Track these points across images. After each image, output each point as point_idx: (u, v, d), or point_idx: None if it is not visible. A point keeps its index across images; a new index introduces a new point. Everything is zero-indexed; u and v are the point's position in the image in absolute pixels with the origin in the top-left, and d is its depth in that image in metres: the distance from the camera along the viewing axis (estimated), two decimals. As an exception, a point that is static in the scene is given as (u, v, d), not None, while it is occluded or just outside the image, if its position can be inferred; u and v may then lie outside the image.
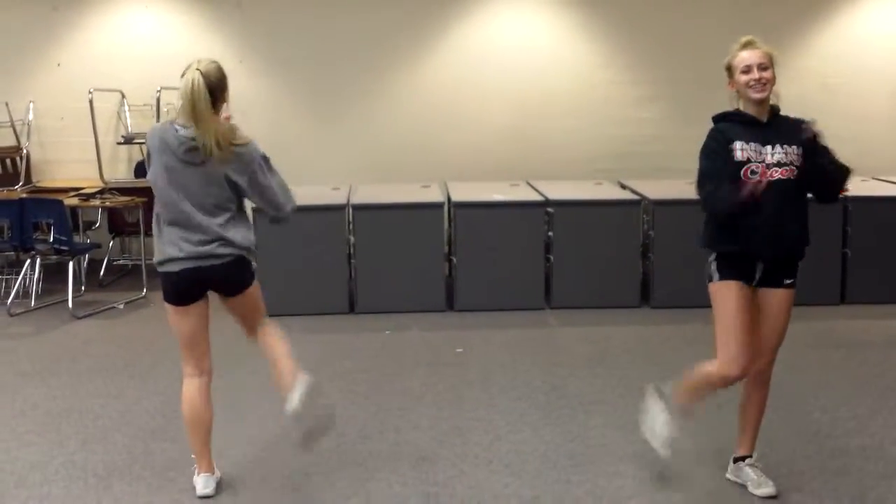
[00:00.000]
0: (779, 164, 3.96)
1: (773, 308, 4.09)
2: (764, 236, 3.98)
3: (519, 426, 5.12)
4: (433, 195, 8.02)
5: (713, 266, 4.10)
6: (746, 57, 4.01)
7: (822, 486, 4.34)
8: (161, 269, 4.14)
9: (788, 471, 4.48)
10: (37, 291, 8.03)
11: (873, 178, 8.69)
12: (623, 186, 8.43)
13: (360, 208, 7.61)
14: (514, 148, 9.51)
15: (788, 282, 4.10)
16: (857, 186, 8.00)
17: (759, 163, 3.95)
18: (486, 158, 9.44)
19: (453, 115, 9.53)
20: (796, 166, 3.98)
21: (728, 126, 4.05)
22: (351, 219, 7.62)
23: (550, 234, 7.62)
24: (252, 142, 4.10)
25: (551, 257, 7.62)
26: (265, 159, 4.14)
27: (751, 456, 4.33)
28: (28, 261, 7.96)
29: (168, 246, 4.10)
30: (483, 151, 9.49)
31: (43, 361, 6.45)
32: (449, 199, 7.92)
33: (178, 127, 3.99)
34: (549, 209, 7.64)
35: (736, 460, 4.35)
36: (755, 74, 3.98)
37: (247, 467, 4.59)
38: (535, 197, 7.90)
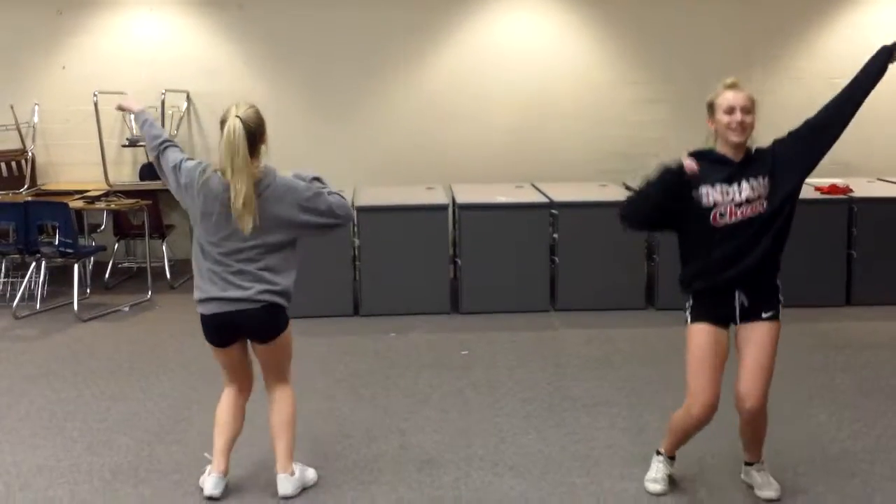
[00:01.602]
0: (748, 201, 3.94)
1: (755, 341, 4.05)
2: (736, 262, 3.95)
3: (524, 428, 5.12)
4: (438, 197, 8.02)
5: (688, 311, 4.11)
6: (731, 98, 3.96)
7: (827, 488, 4.34)
8: (198, 308, 4.20)
9: (793, 473, 4.48)
10: (42, 294, 8.03)
11: (879, 179, 8.68)
12: (627, 188, 8.40)
13: (365, 210, 7.60)
14: (519, 150, 9.51)
15: (767, 315, 4.06)
16: (862, 187, 8.02)
17: (728, 203, 3.94)
18: (490, 160, 9.44)
19: (457, 117, 9.54)
20: (765, 197, 3.95)
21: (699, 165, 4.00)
22: (356, 221, 7.61)
23: (555, 235, 7.61)
24: (276, 173, 4.12)
25: (556, 259, 7.61)
26: (313, 180, 4.22)
27: (759, 461, 4.34)
28: (33, 263, 7.96)
29: (203, 282, 4.16)
30: (487, 153, 9.49)
31: (48, 364, 6.46)
32: (454, 202, 7.92)
33: (221, 172, 4.04)
34: (554, 211, 7.63)
35: (746, 464, 4.38)
36: (737, 117, 3.93)
37: (252, 470, 4.60)
38: (539, 199, 7.89)
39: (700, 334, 4.04)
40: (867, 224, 7.60)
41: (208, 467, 4.36)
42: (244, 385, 4.41)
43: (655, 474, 4.35)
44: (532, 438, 4.98)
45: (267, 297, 4.10)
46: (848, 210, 7.63)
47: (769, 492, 4.25)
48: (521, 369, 6.18)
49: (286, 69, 9.38)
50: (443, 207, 7.72)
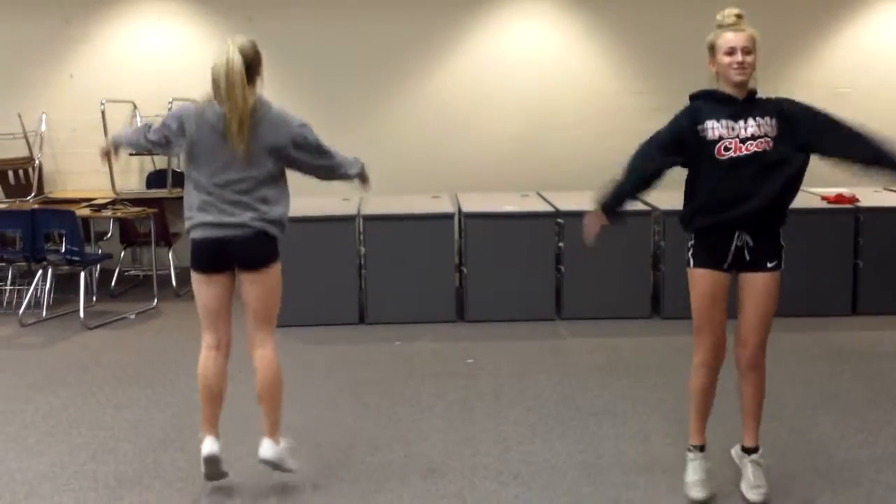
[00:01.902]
0: (753, 138, 3.97)
1: (757, 292, 4.09)
2: (738, 202, 3.97)
3: (529, 437, 5.11)
4: (443, 206, 8.02)
5: (690, 251, 4.14)
6: (731, 38, 4.01)
7: (832, 498, 4.32)
8: (190, 234, 4.25)
9: (798, 483, 4.46)
10: (48, 302, 8.05)
11: (885, 189, 8.66)
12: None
13: (371, 219, 7.62)
14: (525, 158, 9.52)
15: (771, 265, 4.08)
16: (868, 197, 8.01)
17: (733, 139, 3.97)
18: (496, 169, 9.44)
19: (463, 126, 9.55)
20: (772, 138, 3.97)
21: (702, 104, 4.09)
22: (361, 229, 7.63)
23: (561, 244, 7.61)
24: (281, 108, 4.27)
25: (562, 268, 7.61)
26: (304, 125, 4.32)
27: (756, 450, 4.29)
28: (40, 271, 7.99)
29: (196, 211, 4.19)
30: (493, 162, 9.50)
31: (54, 372, 6.47)
32: (459, 210, 7.92)
33: (216, 105, 4.13)
34: (560, 220, 7.63)
35: (744, 450, 4.33)
36: (738, 57, 3.98)
37: (255, 479, 4.59)
38: (545, 208, 7.89)
39: (701, 282, 4.08)
40: (873, 234, 7.59)
41: (201, 433, 4.38)
42: (223, 337, 4.37)
43: (693, 476, 4.23)
44: (537, 447, 4.97)
45: (259, 224, 4.17)
46: (854, 220, 7.62)
47: (756, 495, 4.19)
48: (526, 378, 6.17)
49: (293, 79, 9.38)
50: (448, 216, 7.73)
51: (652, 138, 4.21)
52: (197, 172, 4.20)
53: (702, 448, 4.30)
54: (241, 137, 4.07)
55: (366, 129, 9.51)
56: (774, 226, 4.09)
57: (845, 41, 9.56)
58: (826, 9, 9.54)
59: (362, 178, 4.71)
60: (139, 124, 9.34)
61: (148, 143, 4.40)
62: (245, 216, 4.15)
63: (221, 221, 4.15)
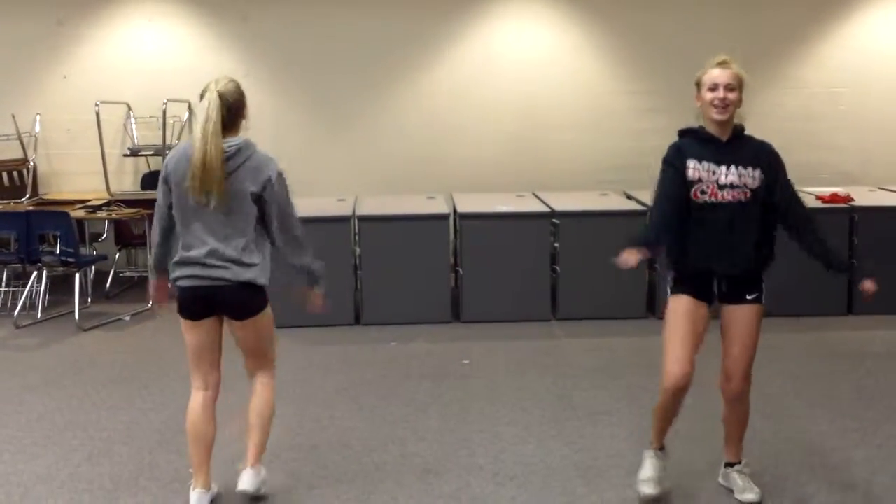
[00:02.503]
0: (731, 186, 3.98)
1: (737, 324, 4.11)
2: (713, 255, 4.03)
3: (525, 438, 5.11)
4: (439, 206, 8.02)
5: (670, 284, 4.18)
6: (716, 75, 4.01)
7: (826, 497, 4.32)
8: (175, 282, 4.15)
9: (794, 482, 4.47)
10: (43, 303, 8.03)
11: (879, 188, 8.68)
12: (629, 197, 8.42)
13: (366, 220, 7.61)
14: (520, 159, 9.52)
15: (751, 297, 4.11)
16: (863, 196, 8.02)
17: (711, 182, 3.98)
18: (491, 170, 9.44)
19: (459, 127, 9.55)
20: (751, 189, 3.99)
21: (688, 142, 4.08)
22: (357, 230, 7.62)
23: (556, 245, 7.61)
24: (255, 147, 4.08)
25: (557, 268, 7.61)
26: (280, 175, 4.12)
27: (739, 462, 4.33)
28: (34, 273, 7.97)
29: (180, 262, 4.10)
30: (488, 163, 9.50)
31: (49, 373, 6.46)
32: (455, 211, 7.92)
33: (190, 143, 4.01)
34: (555, 220, 7.63)
35: (726, 465, 4.37)
36: (720, 94, 3.97)
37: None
38: (540, 208, 7.89)
39: (678, 305, 4.11)
40: (868, 233, 7.59)
41: (192, 482, 4.28)
42: (209, 376, 4.24)
43: (649, 472, 4.26)
44: (533, 448, 4.97)
45: (242, 276, 4.05)
46: (849, 219, 7.62)
47: (750, 495, 4.22)
48: (522, 378, 6.17)
49: (288, 79, 9.39)
50: (444, 217, 7.73)
51: (658, 201, 4.12)
52: (179, 217, 4.08)
53: (661, 448, 4.33)
54: (203, 181, 3.90)
55: (361, 129, 9.51)
56: (755, 274, 4.13)
57: (840, 40, 9.57)
58: (822, 7, 9.54)
59: (317, 281, 4.40)
60: (133, 126, 9.37)
61: (163, 226, 4.19)
62: (224, 269, 4.03)
63: (205, 275, 4.04)
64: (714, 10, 9.45)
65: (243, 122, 4.06)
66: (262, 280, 4.13)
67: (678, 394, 4.08)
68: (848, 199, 7.80)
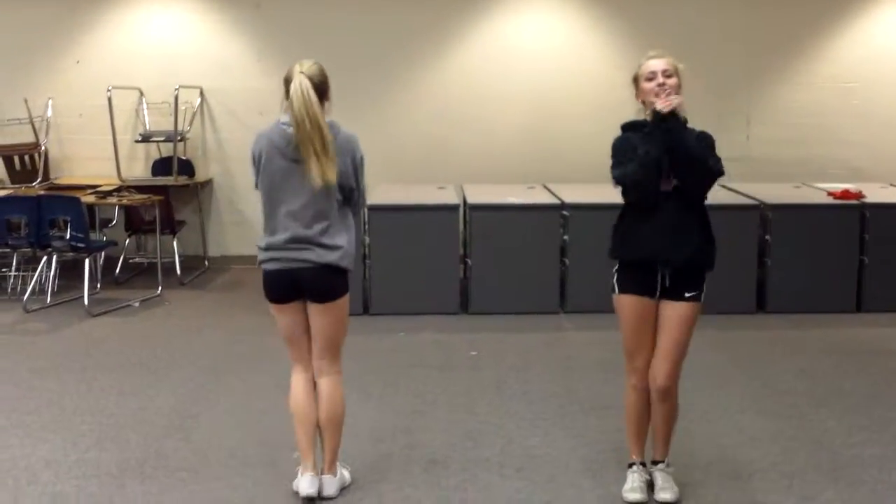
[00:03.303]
0: None
1: (672, 321, 4.11)
2: (664, 244, 4.03)
3: (532, 430, 5.11)
4: (449, 197, 8.01)
5: (614, 277, 4.22)
6: (651, 64, 4.05)
7: (835, 495, 4.31)
8: (261, 265, 4.19)
9: (801, 479, 4.45)
10: (53, 288, 8.05)
11: (891, 185, 8.64)
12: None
13: (376, 209, 7.60)
14: (531, 150, 9.50)
15: (690, 295, 4.10)
16: (874, 193, 7.99)
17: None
18: (501, 161, 9.43)
19: (470, 117, 9.53)
20: None
21: (633, 136, 4.11)
22: (366, 220, 7.61)
23: (566, 237, 7.60)
24: (339, 127, 4.14)
25: (566, 261, 7.60)
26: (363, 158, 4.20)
27: (664, 461, 4.30)
28: (45, 258, 7.99)
29: (265, 247, 4.14)
30: (499, 154, 9.48)
31: (58, 358, 6.48)
32: (464, 202, 7.91)
33: (284, 125, 4.04)
34: (565, 212, 7.62)
35: (653, 462, 4.33)
36: (659, 80, 4.00)
37: (259, 468, 4.60)
38: (550, 200, 7.88)
39: (627, 308, 4.18)
40: (879, 230, 7.56)
41: (299, 468, 4.27)
42: (306, 359, 4.30)
43: (632, 484, 4.26)
44: (540, 441, 4.97)
45: (328, 257, 4.11)
46: (860, 216, 7.58)
47: (667, 494, 4.20)
48: (529, 371, 6.17)
49: (299, 67, 9.37)
50: (454, 207, 7.72)
51: (616, 165, 4.21)
52: (267, 203, 4.13)
53: (642, 463, 4.32)
54: (320, 167, 3.96)
55: (372, 118, 9.48)
56: (700, 265, 4.11)
57: (853, 35, 9.52)
58: (833, 3, 9.49)
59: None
60: (145, 111, 9.37)
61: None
62: (308, 251, 4.07)
63: (290, 257, 4.08)
64: (727, 2, 9.40)
65: (327, 103, 4.09)
66: (346, 263, 4.17)
67: (644, 388, 4.17)
68: (859, 195, 7.76)
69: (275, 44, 9.34)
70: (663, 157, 3.96)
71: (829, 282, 7.47)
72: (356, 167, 4.15)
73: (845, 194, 7.77)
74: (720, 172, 4.01)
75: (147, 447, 4.87)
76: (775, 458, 4.57)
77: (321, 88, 4.03)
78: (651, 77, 4.02)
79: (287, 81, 4.01)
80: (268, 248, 4.13)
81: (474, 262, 7.62)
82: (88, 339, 6.96)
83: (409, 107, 9.55)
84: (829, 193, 7.81)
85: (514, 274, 7.56)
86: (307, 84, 3.95)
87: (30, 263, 8.28)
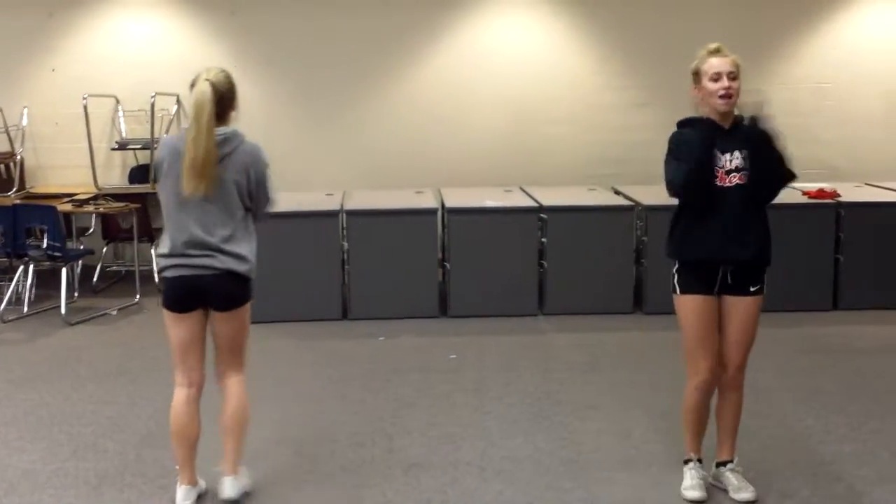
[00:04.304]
0: (737, 170, 4.02)
1: (739, 316, 4.14)
2: (727, 240, 4.03)
3: (512, 433, 5.12)
4: (427, 201, 8.02)
5: (675, 278, 4.17)
6: (717, 64, 4.01)
7: (813, 491, 4.34)
8: (161, 274, 4.14)
9: (780, 477, 4.48)
10: (30, 298, 8.00)
11: (866, 184, 8.71)
12: (617, 192, 8.44)
13: (354, 214, 7.61)
14: (508, 154, 9.52)
15: (754, 289, 4.13)
16: (849, 192, 8.05)
17: (719, 168, 4.01)
18: (479, 164, 9.44)
19: (447, 121, 9.54)
20: (746, 171, 4.02)
21: (690, 133, 4.08)
22: (344, 225, 7.62)
23: (544, 240, 7.61)
24: (244, 138, 4.08)
25: (545, 263, 7.62)
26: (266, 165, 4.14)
27: (732, 461, 4.33)
28: (21, 267, 7.93)
29: (167, 254, 4.09)
30: (476, 157, 9.49)
31: (35, 368, 6.44)
32: (443, 205, 7.91)
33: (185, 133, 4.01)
34: (543, 215, 7.64)
35: (718, 465, 4.36)
36: (725, 83, 3.99)
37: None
38: (528, 203, 7.90)
39: (692, 308, 4.11)
40: (854, 228, 7.63)
41: (178, 477, 4.26)
42: (193, 373, 4.18)
43: (690, 481, 4.25)
44: (520, 442, 4.97)
45: (230, 264, 4.05)
46: (835, 214, 7.65)
47: (746, 494, 4.22)
48: (509, 373, 6.17)
49: (276, 73, 9.36)
50: (432, 211, 7.72)
51: (668, 165, 4.11)
52: (165, 211, 4.08)
53: (699, 460, 4.31)
54: (199, 176, 3.89)
55: (349, 123, 9.50)
56: (761, 261, 4.13)
57: (828, 36, 9.59)
58: (809, 3, 9.56)
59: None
60: (122, 119, 9.34)
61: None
62: (210, 258, 4.02)
63: (191, 263, 4.02)
64: (702, 5, 9.46)
65: (233, 113, 4.05)
66: (250, 272, 4.12)
67: (709, 388, 4.16)
68: (834, 195, 7.82)
69: (251, 51, 9.32)
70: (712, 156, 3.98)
71: (805, 280, 7.53)
72: (259, 179, 4.08)
73: (820, 193, 7.83)
74: (795, 176, 4.07)
75: (126, 456, 4.85)
76: (753, 456, 4.59)
77: (226, 97, 4.00)
78: (716, 78, 3.99)
79: (192, 87, 3.97)
80: (169, 255, 4.06)
81: (453, 266, 7.63)
82: (66, 348, 6.92)
83: (386, 111, 9.55)
84: (805, 193, 7.86)
85: (493, 277, 7.57)
86: (209, 91, 3.91)
87: (6, 273, 8.22)
